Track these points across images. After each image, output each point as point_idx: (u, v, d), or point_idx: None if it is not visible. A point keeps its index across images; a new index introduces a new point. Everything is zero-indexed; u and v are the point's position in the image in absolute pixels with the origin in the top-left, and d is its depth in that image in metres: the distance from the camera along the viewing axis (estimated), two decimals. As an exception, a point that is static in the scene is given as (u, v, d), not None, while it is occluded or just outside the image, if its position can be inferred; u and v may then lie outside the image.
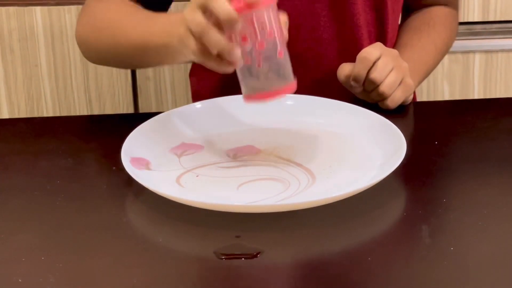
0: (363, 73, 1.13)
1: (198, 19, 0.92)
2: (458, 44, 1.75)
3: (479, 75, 1.78)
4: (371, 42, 1.24)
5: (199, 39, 0.93)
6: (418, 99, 1.76)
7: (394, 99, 1.14)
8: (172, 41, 0.99)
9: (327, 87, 1.21)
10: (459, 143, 1.10)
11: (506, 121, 1.17)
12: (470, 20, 1.75)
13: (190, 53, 0.95)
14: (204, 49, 0.94)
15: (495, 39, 1.76)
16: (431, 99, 1.78)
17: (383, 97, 1.14)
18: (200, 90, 1.32)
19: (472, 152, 1.07)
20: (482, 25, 1.76)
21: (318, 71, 1.23)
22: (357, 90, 1.16)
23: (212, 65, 0.95)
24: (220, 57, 0.94)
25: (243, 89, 0.98)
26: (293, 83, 0.97)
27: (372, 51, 1.13)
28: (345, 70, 1.16)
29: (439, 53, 1.29)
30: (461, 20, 1.75)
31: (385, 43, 1.26)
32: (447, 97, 1.79)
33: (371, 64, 1.12)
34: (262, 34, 0.93)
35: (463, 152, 1.07)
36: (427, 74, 1.28)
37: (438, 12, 1.32)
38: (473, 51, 1.77)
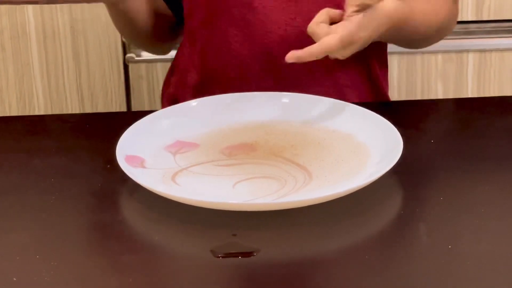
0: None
1: None
2: (452, 43, 1.75)
3: (473, 74, 1.78)
4: None
5: None
6: (412, 97, 1.77)
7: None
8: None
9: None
10: (455, 141, 1.10)
11: (501, 119, 1.16)
12: (464, 19, 1.75)
13: None
14: None
15: (489, 38, 1.77)
16: (425, 97, 1.78)
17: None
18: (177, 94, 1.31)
19: (469, 150, 1.07)
20: (476, 24, 1.76)
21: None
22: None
23: None
24: None
25: None
26: None
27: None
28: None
29: (429, 16, 1.22)
30: (455, 19, 1.75)
31: None
32: (440, 96, 1.79)
33: None
34: None
35: (459, 150, 1.07)
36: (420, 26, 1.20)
37: None
38: (467, 50, 1.77)
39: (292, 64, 1.20)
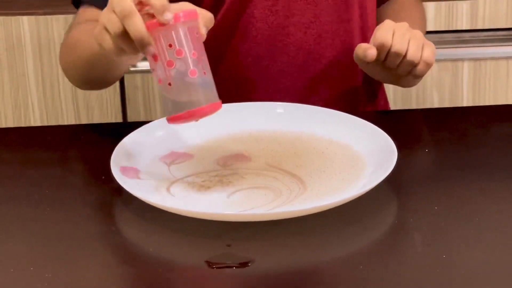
0: (382, 57, 1.13)
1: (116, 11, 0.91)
2: (446, 52, 1.75)
3: (468, 83, 1.78)
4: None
5: (118, 30, 0.91)
6: (407, 107, 1.77)
7: (426, 61, 1.13)
8: (97, 46, 0.98)
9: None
10: (450, 150, 1.10)
11: (496, 128, 1.17)
12: (459, 28, 1.75)
13: (107, 51, 0.94)
14: (118, 45, 0.93)
15: (484, 47, 1.77)
16: (420, 106, 1.78)
17: (413, 65, 1.13)
18: None
19: (463, 159, 1.07)
20: (471, 33, 1.77)
21: (299, 57, 1.24)
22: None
23: (130, 57, 0.95)
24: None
25: (163, 110, 0.96)
26: (211, 105, 0.94)
27: (385, 33, 1.12)
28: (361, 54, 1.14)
29: (422, 30, 1.30)
30: (450, 28, 1.75)
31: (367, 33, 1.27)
32: (436, 104, 1.79)
33: (388, 48, 1.12)
34: (171, 53, 0.92)
35: (454, 159, 1.07)
36: None
37: (404, 0, 1.34)
38: (462, 59, 1.77)
39: (307, 65, 1.23)
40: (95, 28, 0.97)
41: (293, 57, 1.23)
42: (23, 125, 1.75)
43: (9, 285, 0.83)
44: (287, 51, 1.23)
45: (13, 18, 1.70)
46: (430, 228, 0.91)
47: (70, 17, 1.70)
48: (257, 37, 1.22)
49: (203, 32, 0.94)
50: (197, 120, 0.95)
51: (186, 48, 0.92)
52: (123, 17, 0.91)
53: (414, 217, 0.94)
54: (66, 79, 1.73)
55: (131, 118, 1.77)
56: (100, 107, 1.76)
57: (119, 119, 1.76)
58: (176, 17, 0.90)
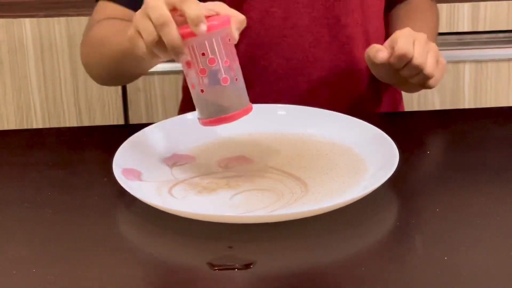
0: (400, 66, 1.13)
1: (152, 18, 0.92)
2: (448, 54, 1.76)
3: (469, 85, 1.79)
4: (357, 36, 1.25)
5: (152, 36, 0.93)
6: (408, 109, 1.77)
7: (437, 79, 1.14)
8: (128, 45, 0.99)
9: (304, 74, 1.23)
10: (451, 152, 1.10)
11: (497, 130, 1.17)
12: (460, 30, 1.76)
13: (141, 55, 0.96)
14: (152, 51, 0.95)
15: (485, 49, 1.77)
16: (422, 108, 1.78)
17: (428, 78, 1.13)
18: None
19: (465, 161, 1.07)
20: (472, 35, 1.77)
21: (294, 59, 1.23)
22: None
23: (161, 58, 0.97)
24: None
25: (197, 113, 0.99)
26: (242, 110, 0.97)
27: (407, 44, 1.11)
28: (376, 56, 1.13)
29: (433, 34, 1.30)
30: (451, 30, 1.76)
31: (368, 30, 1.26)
32: (437, 106, 1.79)
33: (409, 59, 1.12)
34: (204, 61, 0.94)
35: (455, 161, 1.07)
36: None
37: (418, 2, 1.34)
38: (463, 61, 1.77)
39: (304, 68, 1.23)
40: (126, 28, 0.98)
41: (289, 60, 1.23)
42: (25, 127, 1.75)
43: (11, 287, 0.84)
44: (283, 54, 1.23)
45: (15, 20, 1.70)
46: (432, 230, 0.91)
47: (71, 19, 1.71)
48: (254, 38, 1.22)
49: (236, 36, 0.96)
50: (221, 124, 0.98)
51: (218, 57, 0.94)
52: (159, 25, 0.92)
53: (415, 219, 0.94)
54: (68, 81, 1.74)
55: (132, 120, 1.77)
56: (102, 109, 1.76)
57: (120, 121, 1.76)
58: (209, 27, 0.92)
